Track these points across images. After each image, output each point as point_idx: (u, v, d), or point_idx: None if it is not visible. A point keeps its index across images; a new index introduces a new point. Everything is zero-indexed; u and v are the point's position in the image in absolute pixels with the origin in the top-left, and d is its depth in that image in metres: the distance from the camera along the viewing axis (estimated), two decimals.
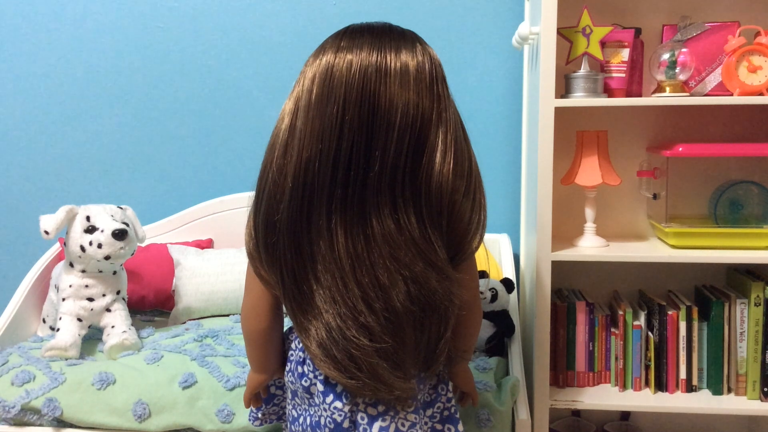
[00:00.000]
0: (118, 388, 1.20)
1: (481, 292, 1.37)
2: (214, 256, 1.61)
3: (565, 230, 1.49)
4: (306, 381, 0.88)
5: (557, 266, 1.33)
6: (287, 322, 0.91)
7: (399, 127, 0.76)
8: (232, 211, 1.75)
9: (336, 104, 0.75)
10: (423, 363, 0.85)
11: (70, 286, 1.38)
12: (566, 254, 1.33)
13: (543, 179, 1.29)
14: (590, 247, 1.38)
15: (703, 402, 1.35)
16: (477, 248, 0.86)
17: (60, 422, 1.20)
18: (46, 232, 1.35)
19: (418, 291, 0.78)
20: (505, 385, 1.19)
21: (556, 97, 1.28)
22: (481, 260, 1.09)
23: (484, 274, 1.38)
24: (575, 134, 1.42)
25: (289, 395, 0.94)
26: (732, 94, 1.32)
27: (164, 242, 1.69)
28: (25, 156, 1.86)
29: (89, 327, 1.39)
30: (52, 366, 1.26)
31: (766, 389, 1.35)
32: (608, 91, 1.37)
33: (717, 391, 1.38)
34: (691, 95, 1.38)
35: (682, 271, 1.53)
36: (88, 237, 1.37)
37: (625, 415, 1.62)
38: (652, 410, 1.37)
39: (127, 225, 1.40)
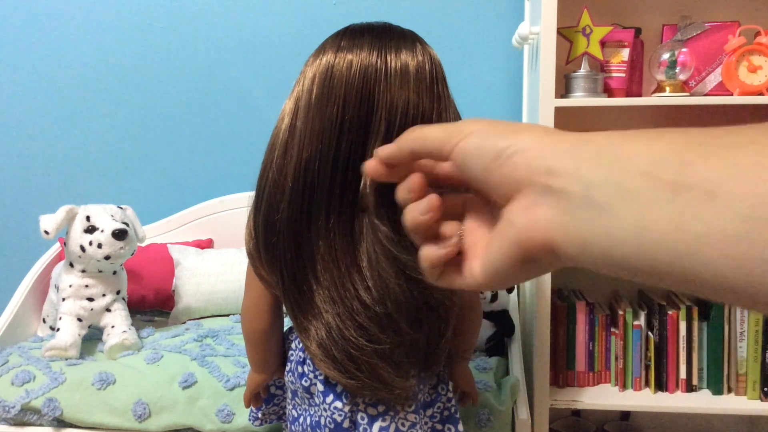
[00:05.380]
0: (118, 388, 1.20)
1: (481, 292, 1.37)
2: (214, 256, 1.61)
3: None
4: (306, 381, 0.88)
5: None
6: (287, 322, 0.91)
7: (399, 127, 0.75)
8: (232, 211, 1.75)
9: (336, 104, 0.75)
10: (423, 363, 0.85)
11: (70, 286, 1.38)
12: None
13: None
14: None
15: (703, 402, 1.35)
16: None
17: (60, 422, 1.20)
18: (46, 232, 1.35)
19: (418, 291, 0.78)
20: (505, 385, 1.19)
21: (556, 97, 1.28)
22: None
23: None
24: None
25: (289, 395, 0.94)
26: (732, 94, 1.32)
27: (164, 242, 1.69)
28: (25, 156, 1.86)
29: (89, 327, 1.39)
30: (52, 366, 1.26)
31: (766, 389, 1.35)
32: (608, 91, 1.37)
33: (717, 391, 1.38)
34: (691, 95, 1.38)
35: None
36: (88, 237, 1.36)
37: (625, 415, 1.62)
38: (652, 410, 1.37)
39: (127, 225, 1.40)
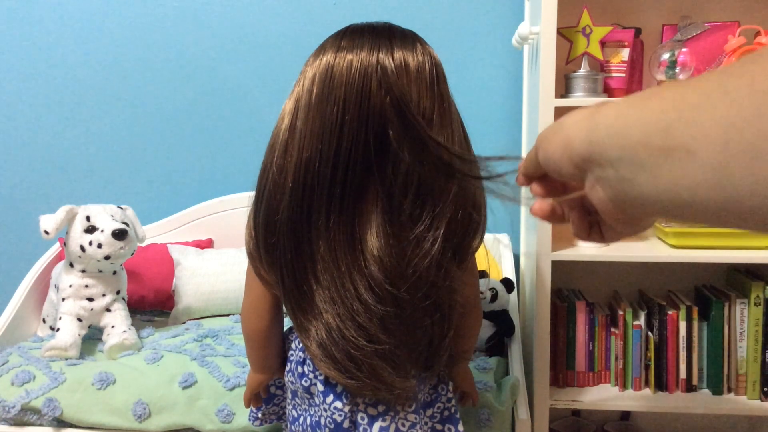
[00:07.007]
0: (118, 388, 1.20)
1: (481, 292, 1.37)
2: (214, 256, 1.61)
3: (565, 230, 1.49)
4: (306, 381, 0.88)
5: (557, 266, 1.33)
6: (287, 322, 0.91)
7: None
8: (232, 211, 1.75)
9: (336, 104, 0.75)
10: (424, 363, 0.85)
11: (70, 286, 1.38)
12: (566, 254, 1.33)
13: None
14: (590, 246, 1.38)
15: (703, 402, 1.35)
16: (477, 248, 0.86)
17: (60, 422, 1.21)
18: (46, 232, 1.35)
19: (420, 291, 0.78)
20: (505, 385, 1.19)
21: (556, 97, 1.28)
22: (481, 260, 1.08)
23: (484, 274, 1.38)
24: None
25: (289, 395, 0.94)
26: None
27: (164, 242, 1.69)
28: (25, 156, 1.86)
29: (89, 327, 1.39)
30: (52, 366, 1.26)
31: (766, 389, 1.35)
32: (608, 91, 1.38)
33: (717, 391, 1.38)
34: None
35: (682, 271, 1.53)
36: (88, 237, 1.37)
37: (625, 415, 1.63)
38: (652, 410, 1.37)
39: (127, 225, 1.40)
